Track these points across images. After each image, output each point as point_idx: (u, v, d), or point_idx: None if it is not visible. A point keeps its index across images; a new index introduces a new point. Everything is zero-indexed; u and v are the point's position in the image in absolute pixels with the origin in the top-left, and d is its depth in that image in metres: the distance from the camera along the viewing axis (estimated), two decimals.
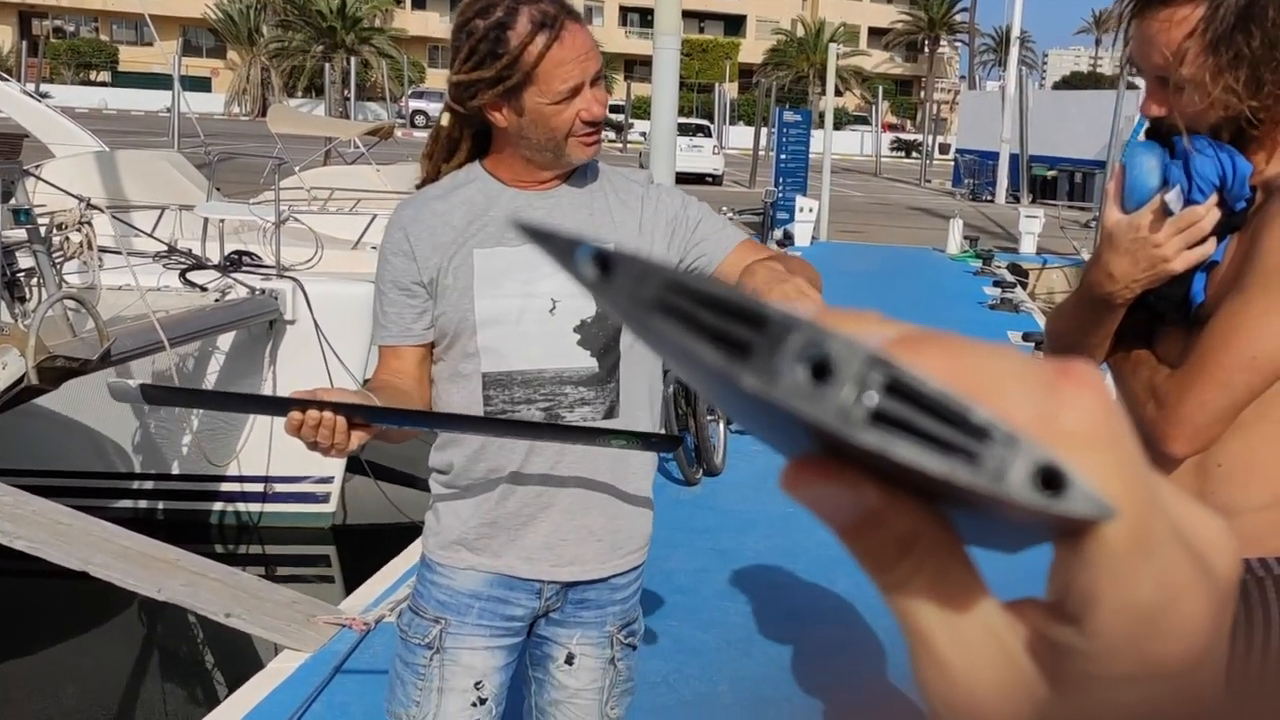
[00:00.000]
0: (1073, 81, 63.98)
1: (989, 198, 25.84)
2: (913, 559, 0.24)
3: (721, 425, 5.53)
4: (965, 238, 14.82)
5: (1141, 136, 1.44)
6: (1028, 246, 15.29)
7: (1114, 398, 0.23)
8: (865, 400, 0.22)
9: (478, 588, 1.80)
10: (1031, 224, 15.37)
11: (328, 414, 1.48)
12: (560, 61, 1.62)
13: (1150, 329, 1.47)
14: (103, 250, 5.65)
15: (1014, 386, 0.23)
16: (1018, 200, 23.44)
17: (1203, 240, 1.36)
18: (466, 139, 1.77)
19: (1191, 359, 1.35)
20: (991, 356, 0.23)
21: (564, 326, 1.72)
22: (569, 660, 1.87)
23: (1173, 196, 1.34)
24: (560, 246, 0.24)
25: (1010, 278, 11.97)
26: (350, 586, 4.32)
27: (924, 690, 0.26)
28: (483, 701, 1.82)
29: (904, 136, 52.38)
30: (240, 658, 4.50)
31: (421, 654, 1.81)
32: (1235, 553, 0.25)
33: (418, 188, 1.82)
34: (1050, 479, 0.22)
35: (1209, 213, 1.34)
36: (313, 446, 1.50)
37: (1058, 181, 25.76)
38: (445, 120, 1.77)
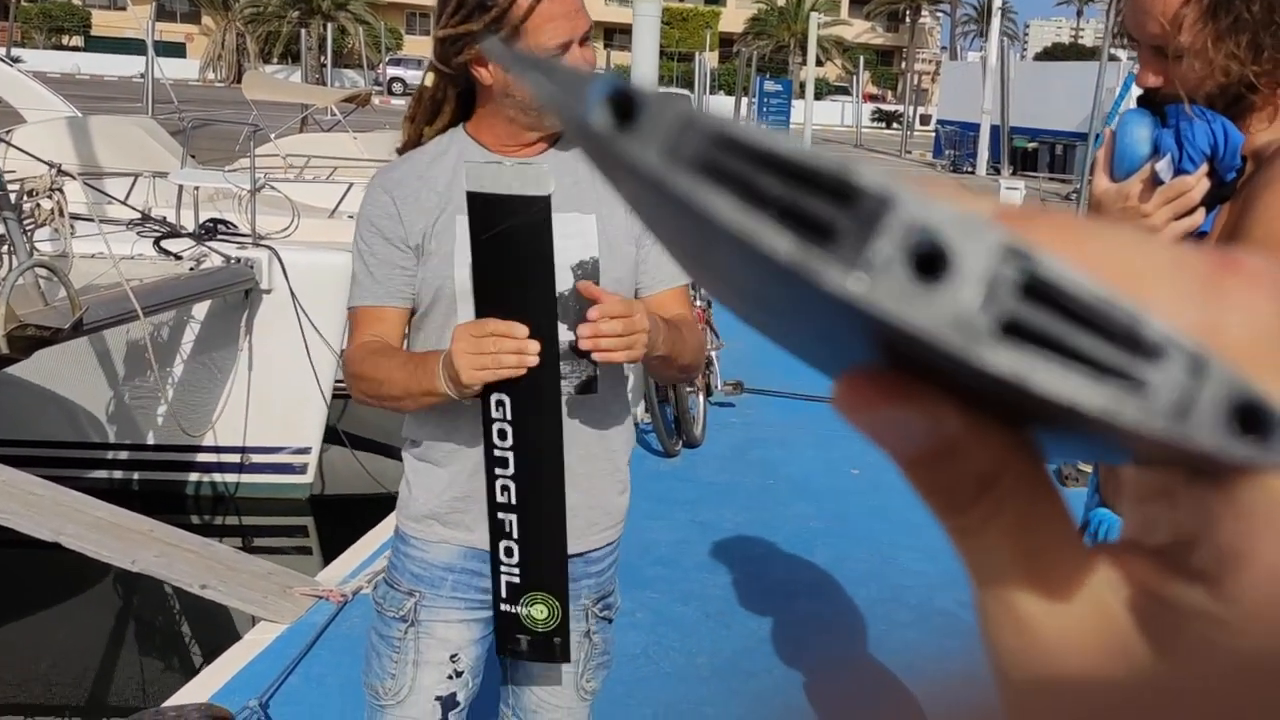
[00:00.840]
0: (1054, 53, 64.01)
1: (970, 169, 25.86)
2: (994, 498, 0.20)
3: (701, 396, 5.52)
4: None
5: (1134, 104, 1.42)
6: None
7: None
8: (995, 306, 0.17)
9: (451, 561, 1.78)
10: (1012, 196, 15.37)
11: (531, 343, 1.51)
12: (550, 17, 1.59)
13: None
14: (74, 217, 5.56)
15: (1163, 284, 0.18)
16: (998, 172, 23.46)
17: (1192, 210, 1.34)
18: (450, 101, 1.74)
19: None
20: (1130, 241, 0.18)
21: None
22: None
23: (1163, 165, 1.32)
24: (565, 81, 0.18)
25: None
26: (328, 558, 4.30)
27: (997, 654, 0.22)
28: (459, 674, 1.80)
29: (885, 107, 52.25)
30: (217, 629, 4.47)
31: (396, 627, 1.79)
32: None
33: (399, 151, 1.78)
34: (1252, 419, 0.17)
35: (1199, 182, 1.33)
36: (491, 356, 1.51)
37: (1038, 153, 25.80)
38: (429, 81, 1.74)
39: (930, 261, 0.17)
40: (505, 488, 1.63)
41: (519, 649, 1.74)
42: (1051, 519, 0.21)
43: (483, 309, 1.53)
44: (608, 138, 0.17)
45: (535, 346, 1.51)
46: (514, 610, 1.71)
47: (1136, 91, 1.43)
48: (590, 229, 1.69)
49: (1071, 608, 0.21)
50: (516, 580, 1.69)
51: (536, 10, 1.59)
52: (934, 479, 0.20)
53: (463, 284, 1.67)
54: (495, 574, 1.69)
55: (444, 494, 1.76)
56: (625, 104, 0.17)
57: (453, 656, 1.79)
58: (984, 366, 0.17)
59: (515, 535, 1.66)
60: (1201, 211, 1.35)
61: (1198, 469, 0.19)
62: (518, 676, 1.91)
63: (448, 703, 1.80)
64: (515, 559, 1.68)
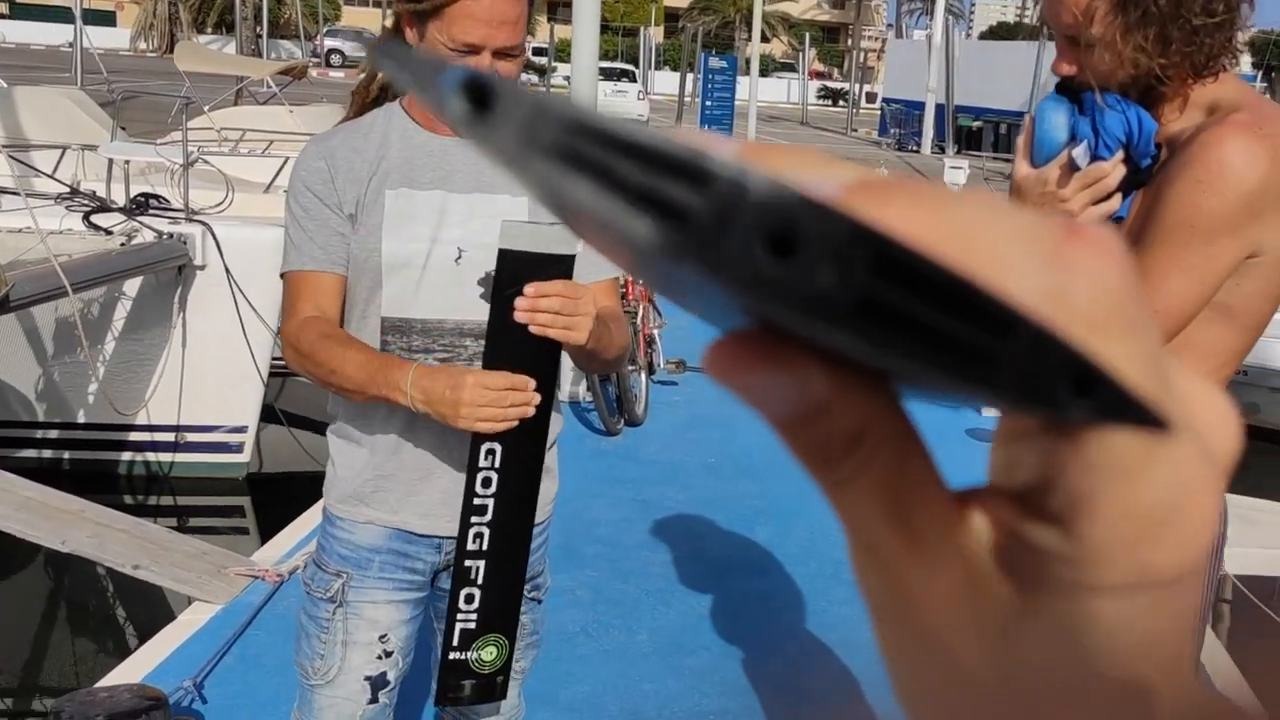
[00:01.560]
0: (999, 32, 64.54)
1: (915, 148, 26.07)
2: (862, 454, 0.21)
3: (644, 375, 5.53)
4: None
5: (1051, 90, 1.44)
6: None
7: (1130, 265, 0.20)
8: (848, 287, 0.17)
9: (377, 542, 1.78)
10: (956, 175, 15.51)
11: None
12: (469, 14, 1.59)
13: None
14: (0, 191, 5.42)
15: (1013, 253, 0.18)
16: (943, 150, 23.70)
17: (1108, 196, 1.37)
18: None
19: None
20: (981, 211, 0.19)
21: (468, 278, 1.68)
22: None
23: (1079, 152, 1.35)
24: (420, 72, 0.18)
25: None
26: (266, 537, 4.26)
27: (869, 601, 0.22)
28: (388, 654, 1.80)
29: (831, 85, 52.46)
30: (150, 610, 4.42)
31: (324, 608, 1.79)
32: (1238, 431, 0.21)
33: (353, 93, 1.80)
34: (1086, 384, 0.18)
35: (1115, 169, 1.35)
36: (503, 410, 1.54)
37: (983, 132, 26.09)
38: (389, 23, 1.77)
39: (786, 243, 0.17)
40: (479, 534, 1.64)
41: (461, 695, 1.72)
42: (917, 468, 0.21)
43: (493, 360, 1.56)
44: (465, 125, 0.18)
45: (538, 399, 1.56)
46: (463, 656, 1.69)
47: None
48: (523, 210, 1.69)
49: (934, 550, 0.21)
50: (472, 627, 1.68)
51: (460, 2, 1.59)
52: (803, 438, 0.21)
53: (390, 257, 1.66)
54: (450, 621, 1.68)
55: (365, 471, 1.76)
56: (480, 92, 0.17)
57: (381, 637, 1.79)
58: (837, 344, 0.18)
59: (480, 581, 1.66)
60: (1118, 197, 1.38)
61: (1049, 419, 0.19)
62: None
63: (377, 682, 1.80)
64: (475, 604, 1.67)
